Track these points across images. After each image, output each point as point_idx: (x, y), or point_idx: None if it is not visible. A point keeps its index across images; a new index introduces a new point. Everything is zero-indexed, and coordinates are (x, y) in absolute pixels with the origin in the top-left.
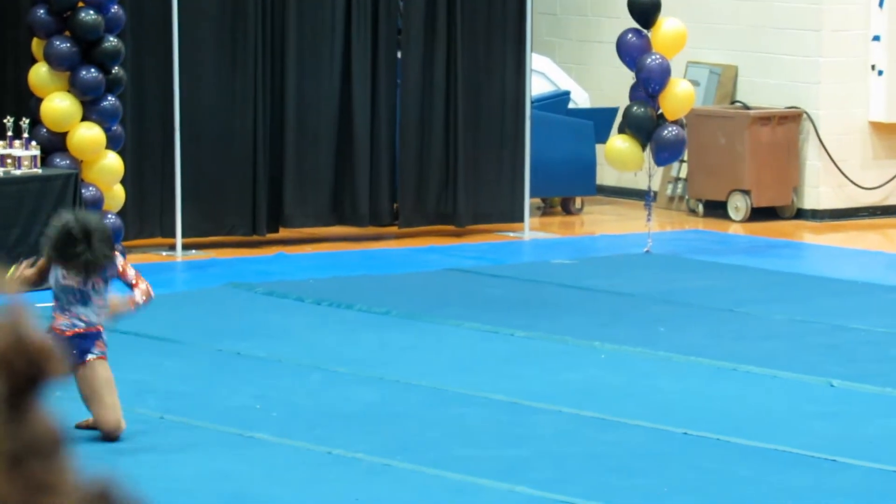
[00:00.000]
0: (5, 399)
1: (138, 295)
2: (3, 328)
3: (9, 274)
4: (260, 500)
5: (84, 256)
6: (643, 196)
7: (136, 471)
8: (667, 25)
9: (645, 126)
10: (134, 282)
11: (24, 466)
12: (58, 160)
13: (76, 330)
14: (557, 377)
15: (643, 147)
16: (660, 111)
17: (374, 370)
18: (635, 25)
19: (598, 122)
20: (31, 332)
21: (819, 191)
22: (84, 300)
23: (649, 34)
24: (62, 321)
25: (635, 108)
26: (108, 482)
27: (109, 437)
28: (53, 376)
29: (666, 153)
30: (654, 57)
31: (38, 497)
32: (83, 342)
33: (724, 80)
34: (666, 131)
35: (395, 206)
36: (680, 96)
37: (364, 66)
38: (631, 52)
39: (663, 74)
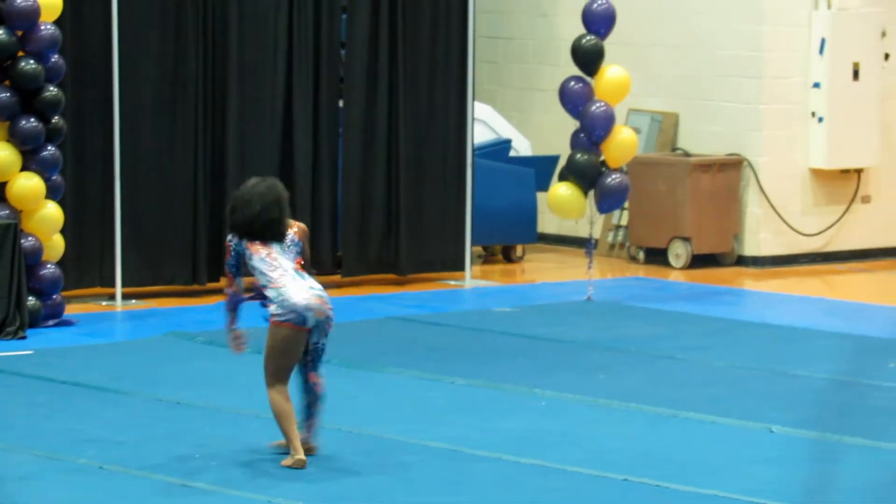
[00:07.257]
0: None
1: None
2: None
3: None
4: None
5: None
6: (584, 244)
7: None
8: (610, 73)
9: (589, 173)
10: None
11: None
12: None
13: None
14: (498, 425)
15: (585, 194)
16: (602, 158)
17: None
18: (576, 73)
19: (539, 169)
20: None
21: (759, 237)
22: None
23: (592, 82)
24: None
25: (579, 155)
26: None
27: None
28: None
29: (609, 200)
30: (598, 104)
31: None
32: None
33: (666, 127)
34: (609, 179)
35: (337, 254)
36: (624, 143)
37: (306, 114)
38: (574, 99)
39: (608, 122)
